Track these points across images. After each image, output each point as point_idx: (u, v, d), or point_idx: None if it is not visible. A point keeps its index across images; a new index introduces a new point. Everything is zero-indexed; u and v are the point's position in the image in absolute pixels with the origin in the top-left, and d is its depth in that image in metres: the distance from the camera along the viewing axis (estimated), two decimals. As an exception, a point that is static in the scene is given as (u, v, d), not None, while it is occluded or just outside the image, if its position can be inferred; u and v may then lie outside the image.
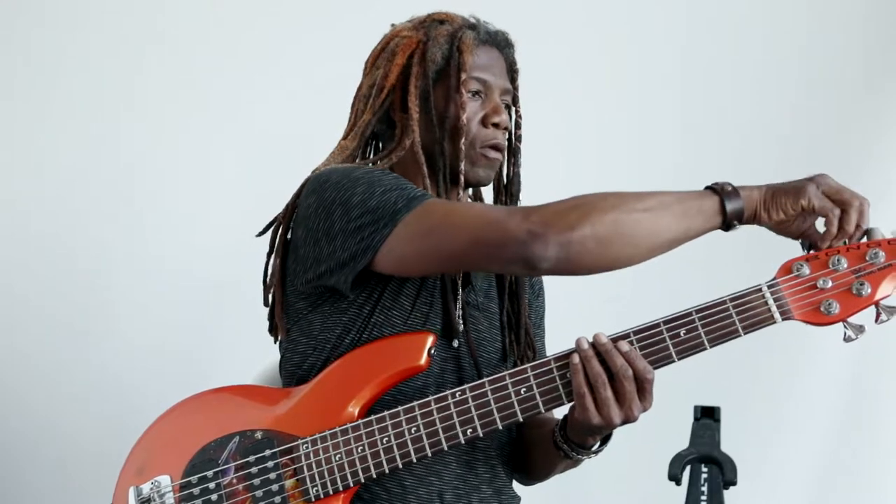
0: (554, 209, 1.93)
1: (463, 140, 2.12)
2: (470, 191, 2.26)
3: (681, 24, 3.30)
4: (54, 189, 3.10)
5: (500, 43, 2.21)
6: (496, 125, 2.15)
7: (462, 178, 2.14)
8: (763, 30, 3.29)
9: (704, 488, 1.87)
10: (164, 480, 2.06)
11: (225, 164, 3.15)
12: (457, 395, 1.99)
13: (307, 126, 3.13)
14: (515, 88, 2.22)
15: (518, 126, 2.23)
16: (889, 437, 3.25)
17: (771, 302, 1.98)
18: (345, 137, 2.25)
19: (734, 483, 1.89)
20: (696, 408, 1.94)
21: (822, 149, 3.29)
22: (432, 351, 2.03)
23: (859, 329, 2.01)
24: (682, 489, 1.91)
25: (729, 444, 1.92)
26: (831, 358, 3.23)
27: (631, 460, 3.13)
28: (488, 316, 2.17)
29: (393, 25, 2.26)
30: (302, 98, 3.15)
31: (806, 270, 2.00)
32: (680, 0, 3.33)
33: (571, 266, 1.93)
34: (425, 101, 2.14)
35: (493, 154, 2.15)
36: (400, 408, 2.00)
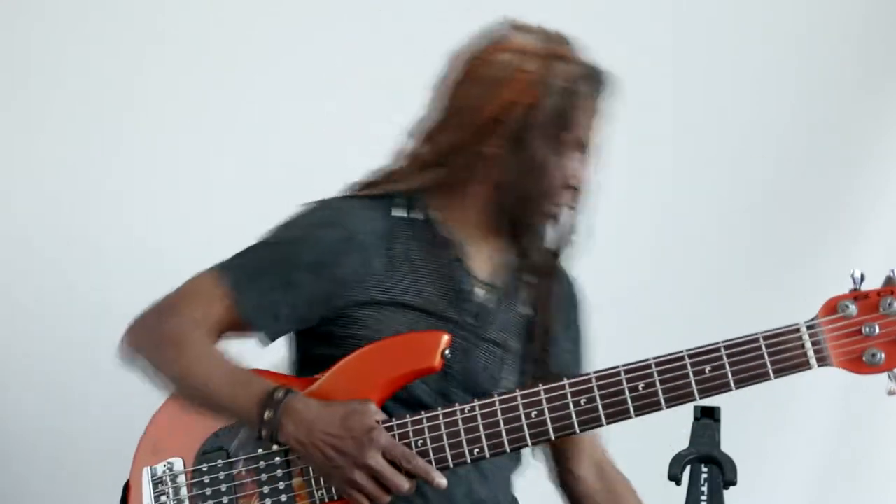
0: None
1: (541, 193, 2.05)
2: None
3: (679, 24, 3.29)
4: (54, 189, 3.10)
5: (606, 89, 2.10)
6: (575, 188, 2.08)
7: (522, 226, 2.09)
8: (762, 29, 3.29)
9: (704, 488, 1.86)
10: (178, 464, 2.06)
11: (225, 164, 3.15)
12: (465, 410, 1.94)
13: (307, 126, 3.14)
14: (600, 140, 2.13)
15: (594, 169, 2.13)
16: (889, 437, 3.25)
17: (808, 345, 1.86)
18: (415, 143, 2.14)
19: (734, 483, 1.89)
20: (696, 408, 1.94)
21: (822, 149, 3.29)
22: (446, 352, 1.98)
23: None
24: (682, 489, 1.91)
25: (729, 444, 1.92)
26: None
27: (631, 460, 3.13)
28: (506, 356, 2.11)
29: (501, 34, 2.12)
30: (303, 98, 3.15)
31: (852, 311, 1.84)
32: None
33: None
34: (519, 144, 2.04)
35: (558, 213, 2.08)
36: (408, 417, 1.96)
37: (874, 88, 3.29)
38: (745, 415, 3.03)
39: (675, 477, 1.90)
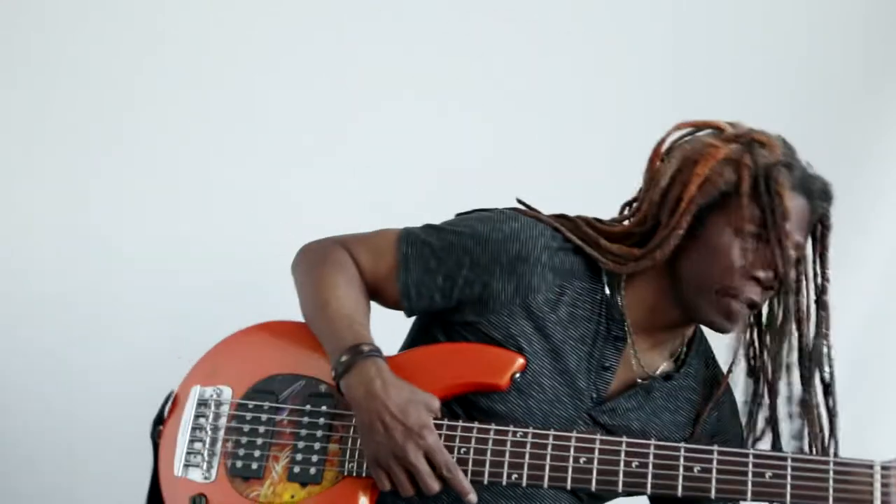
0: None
1: (716, 277, 1.96)
2: None
3: (679, 24, 3.29)
4: (54, 189, 3.10)
5: (814, 193, 2.00)
6: (756, 279, 1.95)
7: (696, 315, 2.00)
8: (762, 29, 3.29)
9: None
10: (227, 392, 2.09)
11: (226, 164, 3.14)
12: (518, 434, 1.93)
13: (308, 126, 3.14)
14: (821, 248, 2.01)
15: (813, 289, 2.00)
16: (889, 437, 3.25)
17: (878, 486, 1.80)
18: (631, 218, 2.09)
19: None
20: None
21: (822, 149, 3.27)
22: (517, 375, 1.97)
23: None
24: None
25: (729, 444, 1.92)
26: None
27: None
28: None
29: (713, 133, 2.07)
30: (303, 98, 3.15)
31: None
32: (678, -1, 3.34)
33: None
34: (703, 223, 1.97)
35: (734, 306, 1.95)
36: (460, 422, 1.96)
37: (874, 88, 3.29)
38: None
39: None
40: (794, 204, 1.96)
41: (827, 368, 1.99)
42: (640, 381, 2.06)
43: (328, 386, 2.04)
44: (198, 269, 3.09)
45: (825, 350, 1.99)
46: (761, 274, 1.94)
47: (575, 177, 3.17)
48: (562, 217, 2.11)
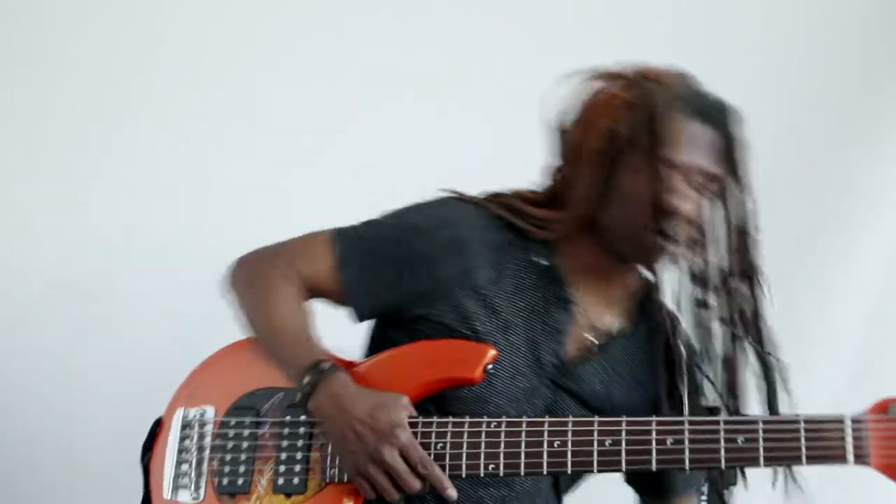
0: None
1: (632, 222, 1.97)
2: None
3: (679, 24, 3.29)
4: (54, 189, 3.10)
5: (716, 117, 2.01)
6: (674, 212, 1.95)
7: (619, 254, 2.01)
8: (762, 30, 3.29)
9: (704, 489, 1.86)
10: (210, 412, 2.10)
11: (226, 164, 3.15)
12: (492, 425, 1.93)
13: (308, 126, 3.14)
14: (736, 171, 1.99)
15: (728, 216, 1.99)
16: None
17: (849, 440, 1.81)
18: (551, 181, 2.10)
19: (734, 483, 1.89)
20: (697, 409, 1.94)
21: (822, 149, 3.28)
22: (489, 367, 1.97)
23: None
24: (682, 489, 1.91)
25: (729, 444, 1.92)
26: (831, 358, 3.23)
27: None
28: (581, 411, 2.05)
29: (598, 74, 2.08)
30: (303, 98, 3.15)
31: None
32: (678, -1, 3.34)
33: None
34: (610, 170, 1.99)
35: (659, 242, 1.96)
36: (434, 418, 1.95)
37: (874, 88, 3.29)
38: (745, 415, 3.05)
39: (675, 477, 1.90)
40: (696, 133, 1.97)
41: (749, 290, 2.01)
42: (595, 341, 2.07)
43: None
44: (198, 269, 3.08)
45: (753, 274, 2.01)
46: (677, 205, 1.94)
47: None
48: (491, 195, 2.12)
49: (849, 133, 3.27)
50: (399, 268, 2.03)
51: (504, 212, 2.07)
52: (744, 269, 2.02)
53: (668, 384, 2.04)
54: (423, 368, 2.00)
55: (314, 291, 2.09)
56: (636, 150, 1.97)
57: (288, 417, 2.05)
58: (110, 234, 3.10)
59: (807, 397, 3.24)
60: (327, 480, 2.00)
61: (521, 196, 2.10)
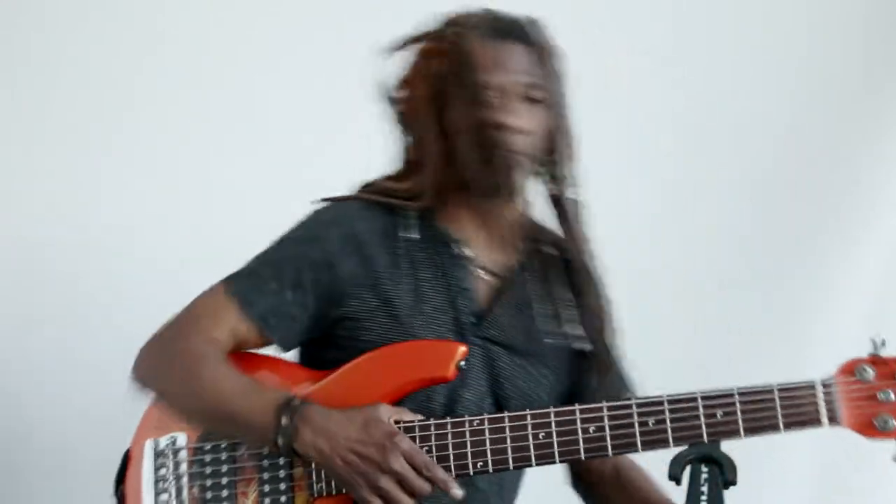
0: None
1: (473, 151, 2.05)
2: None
3: (678, 23, 3.29)
4: (54, 190, 3.10)
5: (517, 33, 2.09)
6: (504, 127, 2.04)
7: (479, 189, 2.08)
8: (762, 29, 3.29)
9: (704, 488, 1.87)
10: (181, 438, 2.06)
11: (226, 164, 3.15)
12: (475, 423, 1.95)
13: (308, 126, 3.14)
14: (550, 75, 2.10)
15: (559, 115, 2.10)
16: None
17: (822, 402, 1.89)
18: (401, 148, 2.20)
19: (734, 483, 1.89)
20: (696, 408, 1.94)
21: (822, 149, 3.28)
22: (461, 363, 1.99)
23: None
24: (683, 489, 1.91)
25: (729, 444, 1.92)
26: (832, 357, 3.23)
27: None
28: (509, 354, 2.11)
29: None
30: (304, 99, 3.15)
31: (870, 375, 1.87)
32: (679, -1, 3.34)
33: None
34: (441, 123, 2.07)
35: (506, 159, 2.04)
36: (417, 422, 1.96)
37: (874, 88, 3.29)
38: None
39: (675, 477, 1.91)
40: (501, 51, 2.06)
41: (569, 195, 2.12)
42: (498, 283, 2.12)
43: None
44: (198, 269, 3.08)
45: (566, 175, 2.12)
46: (504, 119, 2.03)
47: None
48: (362, 186, 2.18)
49: (849, 133, 3.27)
50: (301, 281, 2.04)
51: (379, 197, 2.12)
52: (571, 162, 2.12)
53: (575, 302, 2.14)
54: (392, 374, 2.00)
55: (235, 346, 2.06)
56: (456, 88, 2.05)
57: None
58: (110, 234, 3.10)
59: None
60: (315, 495, 1.98)
61: (387, 177, 2.16)
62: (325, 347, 2.08)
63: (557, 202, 2.14)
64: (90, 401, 3.03)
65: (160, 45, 3.13)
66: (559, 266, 2.17)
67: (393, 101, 2.14)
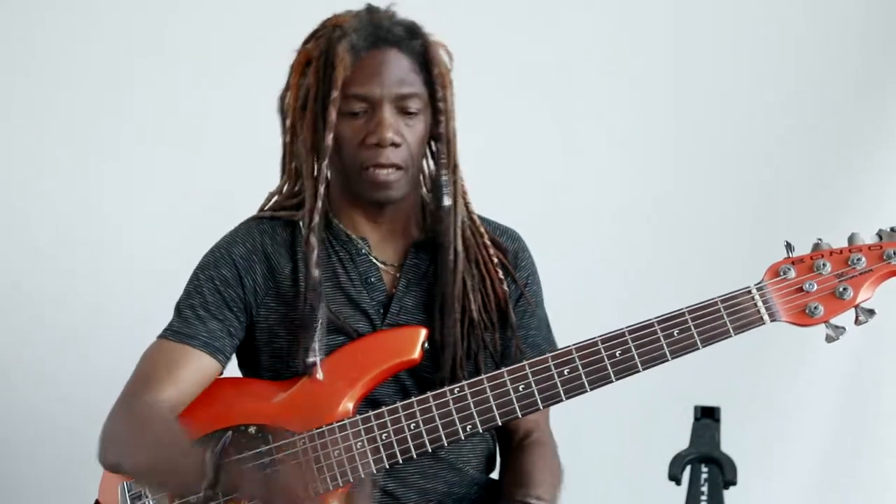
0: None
1: (347, 167, 2.09)
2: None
3: (678, 24, 3.29)
4: (53, 191, 3.10)
5: (394, 38, 2.08)
6: (378, 144, 2.05)
7: (360, 198, 2.13)
8: (761, 30, 3.29)
9: (704, 488, 1.87)
10: None
11: (226, 164, 3.15)
12: (455, 391, 2.02)
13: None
14: (429, 81, 2.09)
15: (438, 123, 2.11)
16: (889, 436, 3.25)
17: (760, 304, 2.04)
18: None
19: (734, 483, 1.90)
20: (696, 408, 1.94)
21: (822, 149, 3.28)
22: (425, 345, 2.07)
23: (841, 330, 2.05)
24: (682, 489, 1.91)
25: (729, 444, 1.92)
26: (831, 357, 3.23)
27: (631, 460, 3.13)
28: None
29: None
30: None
31: (792, 273, 2.07)
32: (677, -1, 3.34)
33: None
34: (310, 127, 2.09)
35: (380, 175, 2.07)
36: (398, 403, 2.02)
37: (874, 88, 3.29)
38: (745, 415, 3.05)
39: (675, 477, 1.91)
40: (374, 61, 2.05)
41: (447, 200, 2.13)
42: (397, 273, 2.17)
43: (255, 426, 2.04)
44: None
45: (442, 182, 2.13)
46: (371, 139, 2.05)
47: (576, 176, 3.18)
48: (261, 206, 2.23)
49: (849, 133, 3.27)
50: (221, 298, 2.12)
51: (276, 212, 2.18)
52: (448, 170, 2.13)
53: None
54: (361, 368, 2.06)
55: (194, 387, 2.10)
56: (320, 102, 2.06)
57: (246, 452, 2.02)
58: (110, 234, 3.10)
59: (807, 398, 3.26)
60: (321, 492, 2.01)
61: (278, 193, 2.21)
62: (255, 355, 2.16)
63: (435, 210, 2.16)
64: (90, 402, 3.03)
65: (160, 45, 3.13)
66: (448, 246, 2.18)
67: (279, 110, 2.16)
